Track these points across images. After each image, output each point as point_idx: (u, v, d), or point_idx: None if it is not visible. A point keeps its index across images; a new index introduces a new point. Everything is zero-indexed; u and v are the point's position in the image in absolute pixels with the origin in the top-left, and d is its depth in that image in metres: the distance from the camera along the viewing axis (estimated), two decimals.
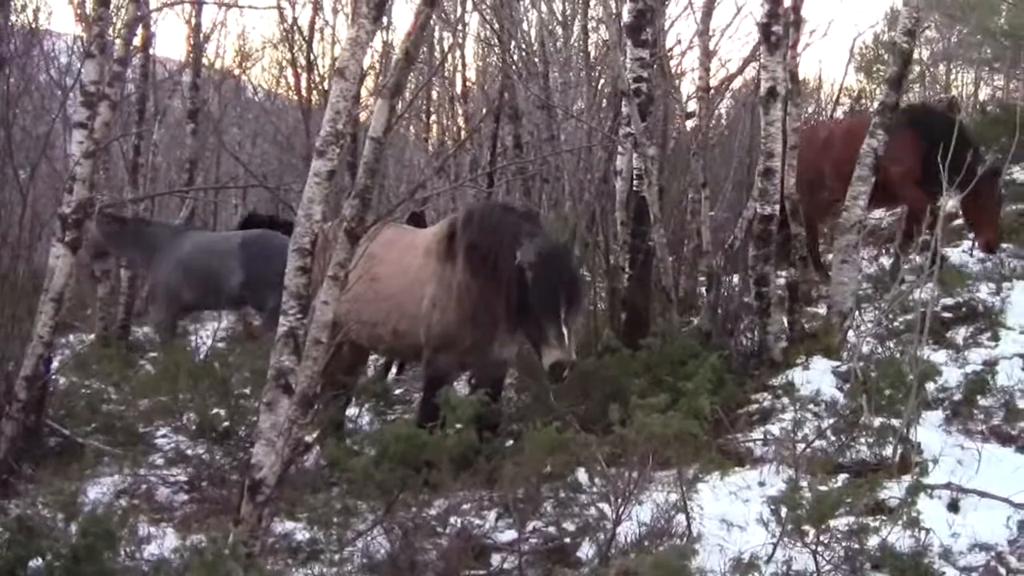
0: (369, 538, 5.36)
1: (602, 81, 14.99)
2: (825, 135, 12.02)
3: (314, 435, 6.95)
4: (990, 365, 7.74)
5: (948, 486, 5.60)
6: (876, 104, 9.45)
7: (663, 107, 11.44)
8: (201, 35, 17.94)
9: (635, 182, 9.37)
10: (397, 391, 9.80)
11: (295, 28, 19.30)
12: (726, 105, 17.16)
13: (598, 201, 10.10)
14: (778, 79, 8.36)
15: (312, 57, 19.38)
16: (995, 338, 8.50)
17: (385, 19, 18.41)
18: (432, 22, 18.29)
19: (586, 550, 5.25)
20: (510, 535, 5.44)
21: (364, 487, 5.43)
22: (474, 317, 6.98)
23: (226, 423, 7.29)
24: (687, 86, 15.39)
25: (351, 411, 8.49)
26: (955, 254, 11.08)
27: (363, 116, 13.84)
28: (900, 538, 4.79)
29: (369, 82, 17.89)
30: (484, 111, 17.92)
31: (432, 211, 14.91)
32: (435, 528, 5.47)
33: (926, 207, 10.15)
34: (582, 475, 5.72)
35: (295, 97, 20.39)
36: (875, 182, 9.13)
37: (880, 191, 10.06)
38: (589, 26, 16.04)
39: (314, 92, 19.09)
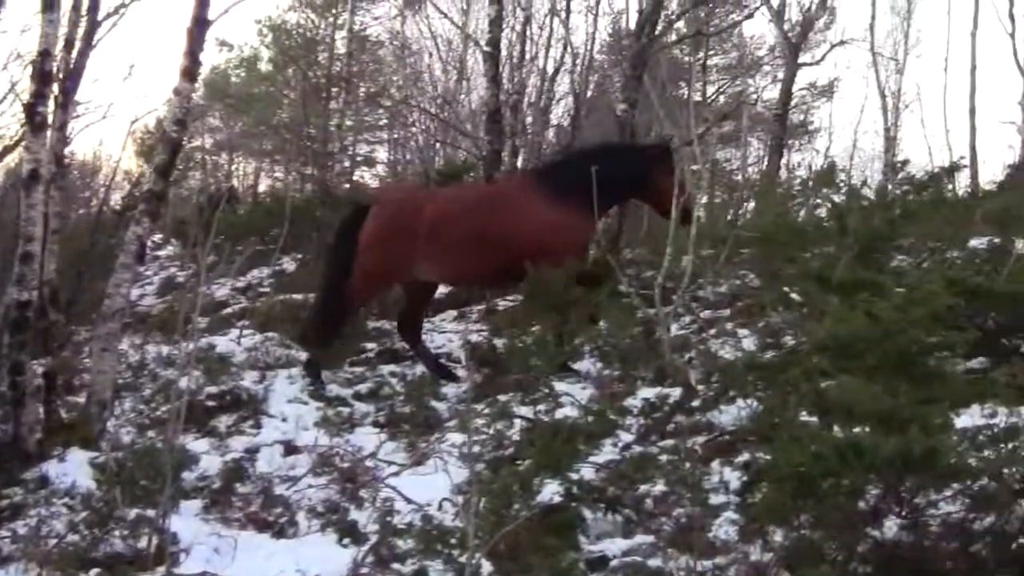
0: None
1: None
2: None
3: None
4: (251, 452, 7.88)
5: (203, 575, 5.58)
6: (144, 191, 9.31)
7: None
8: None
9: None
10: None
11: None
12: None
13: None
14: (41, 161, 8.04)
15: None
16: (257, 425, 8.67)
17: None
18: None
19: None
20: None
21: None
22: None
23: None
24: None
25: None
26: (223, 342, 11.18)
27: None
28: None
29: None
30: None
31: None
32: None
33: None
34: None
35: None
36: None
37: (517, 270, 10.06)
38: None
39: None
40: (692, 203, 10.65)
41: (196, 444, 7.87)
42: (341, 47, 31.21)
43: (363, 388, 9.77)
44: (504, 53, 23.49)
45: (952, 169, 12.35)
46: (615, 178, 10.45)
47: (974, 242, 10.68)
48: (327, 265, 11.29)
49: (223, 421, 8.80)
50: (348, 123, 31.22)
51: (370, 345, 11.26)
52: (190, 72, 8.66)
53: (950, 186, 12.74)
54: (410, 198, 11.56)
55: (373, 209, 10.80)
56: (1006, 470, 4.92)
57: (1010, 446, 5.01)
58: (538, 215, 10.38)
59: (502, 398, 8.73)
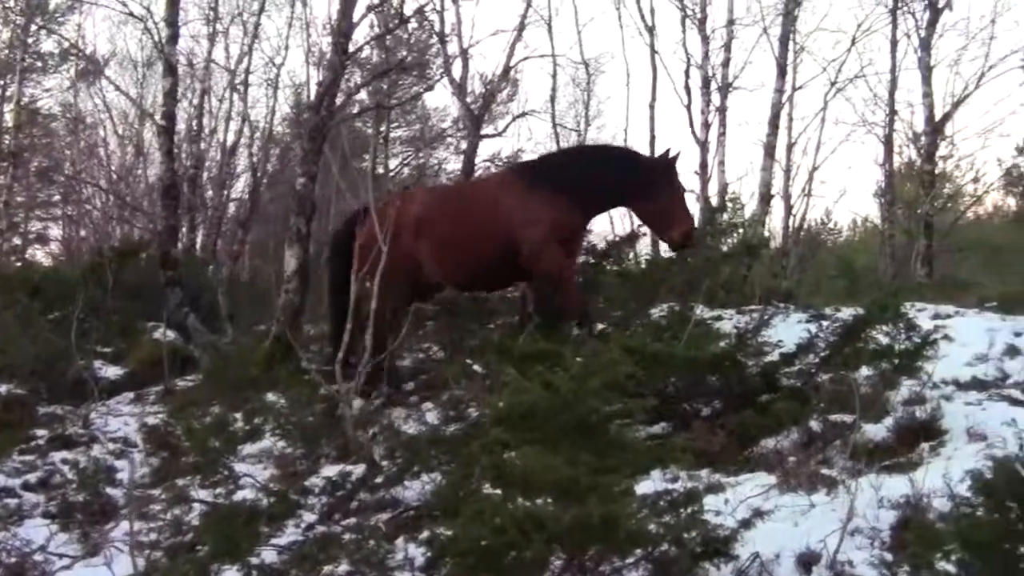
0: None
1: None
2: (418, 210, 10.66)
3: None
4: None
5: None
6: None
7: None
8: None
9: None
10: None
11: None
12: None
13: None
14: None
15: None
16: None
17: None
18: None
19: None
20: None
21: None
22: None
23: None
24: None
25: None
26: None
27: None
28: None
29: None
30: None
31: None
32: None
33: (572, 271, 10.25)
34: None
35: None
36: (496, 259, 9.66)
37: (506, 269, 9.92)
38: None
39: None
40: (693, 228, 10.76)
41: None
42: (9, 120, 29.97)
43: (32, 477, 9.21)
44: (182, 127, 23.17)
45: (632, 238, 12.75)
46: (608, 181, 10.44)
47: (655, 310, 10.96)
48: (329, 283, 11.34)
49: None
50: (18, 199, 29.97)
51: (41, 432, 10.65)
52: None
53: (631, 254, 13.11)
54: (397, 197, 11.19)
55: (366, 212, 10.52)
56: (686, 534, 5.02)
57: (690, 510, 5.12)
58: (513, 206, 10.29)
59: (180, 482, 8.42)
